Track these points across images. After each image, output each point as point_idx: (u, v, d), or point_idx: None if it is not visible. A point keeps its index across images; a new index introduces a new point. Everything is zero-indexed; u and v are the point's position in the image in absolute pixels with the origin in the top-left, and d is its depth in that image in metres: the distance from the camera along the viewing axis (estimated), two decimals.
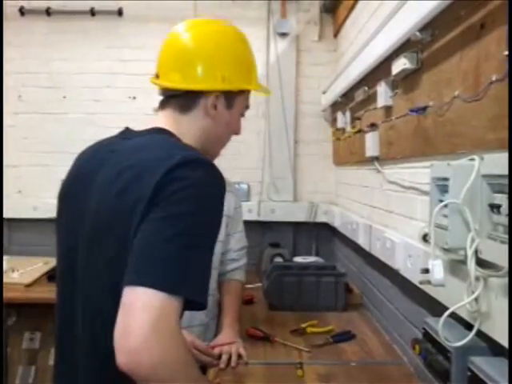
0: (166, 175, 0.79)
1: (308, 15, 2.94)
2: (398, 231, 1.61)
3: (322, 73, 2.90)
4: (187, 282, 0.76)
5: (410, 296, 1.51)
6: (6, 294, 1.91)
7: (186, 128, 0.98)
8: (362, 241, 2.01)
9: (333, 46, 2.94)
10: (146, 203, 0.78)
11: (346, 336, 1.72)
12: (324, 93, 2.80)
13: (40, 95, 2.96)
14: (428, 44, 1.34)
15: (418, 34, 1.33)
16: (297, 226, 2.96)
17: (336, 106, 2.67)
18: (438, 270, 0.99)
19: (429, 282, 1.02)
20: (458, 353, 0.98)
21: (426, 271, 1.02)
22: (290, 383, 1.36)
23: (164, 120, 0.99)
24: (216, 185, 0.84)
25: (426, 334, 1.14)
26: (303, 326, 1.78)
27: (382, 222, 1.79)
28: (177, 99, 0.99)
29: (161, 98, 1.03)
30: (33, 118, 2.96)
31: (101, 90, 2.94)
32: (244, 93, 1.04)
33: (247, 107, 1.08)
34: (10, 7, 2.86)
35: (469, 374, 0.92)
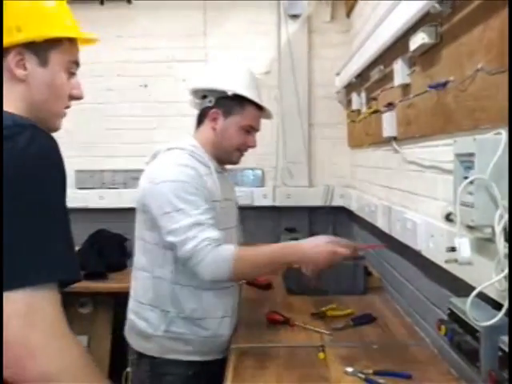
0: None
1: None
2: (418, 212, 1.57)
3: (335, 54, 2.85)
4: (45, 267, 0.71)
5: (431, 277, 1.48)
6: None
7: (5, 98, 0.81)
8: (380, 223, 1.97)
9: (345, 26, 2.88)
10: None
11: (366, 319, 1.70)
12: (338, 74, 2.75)
13: None
14: (448, 16, 1.29)
15: (437, 5, 1.28)
16: (312, 210, 2.93)
17: (350, 88, 2.62)
18: (464, 248, 0.97)
19: (455, 261, 0.99)
20: (487, 332, 0.95)
21: (453, 249, 0.99)
22: (313, 366, 1.35)
23: None
24: (45, 152, 0.74)
25: (452, 314, 1.12)
26: (323, 309, 1.77)
27: (402, 203, 1.76)
28: None
29: None
30: None
31: (112, 79, 2.93)
32: (59, 44, 0.89)
33: (75, 63, 0.94)
34: None
35: (500, 353, 0.90)
